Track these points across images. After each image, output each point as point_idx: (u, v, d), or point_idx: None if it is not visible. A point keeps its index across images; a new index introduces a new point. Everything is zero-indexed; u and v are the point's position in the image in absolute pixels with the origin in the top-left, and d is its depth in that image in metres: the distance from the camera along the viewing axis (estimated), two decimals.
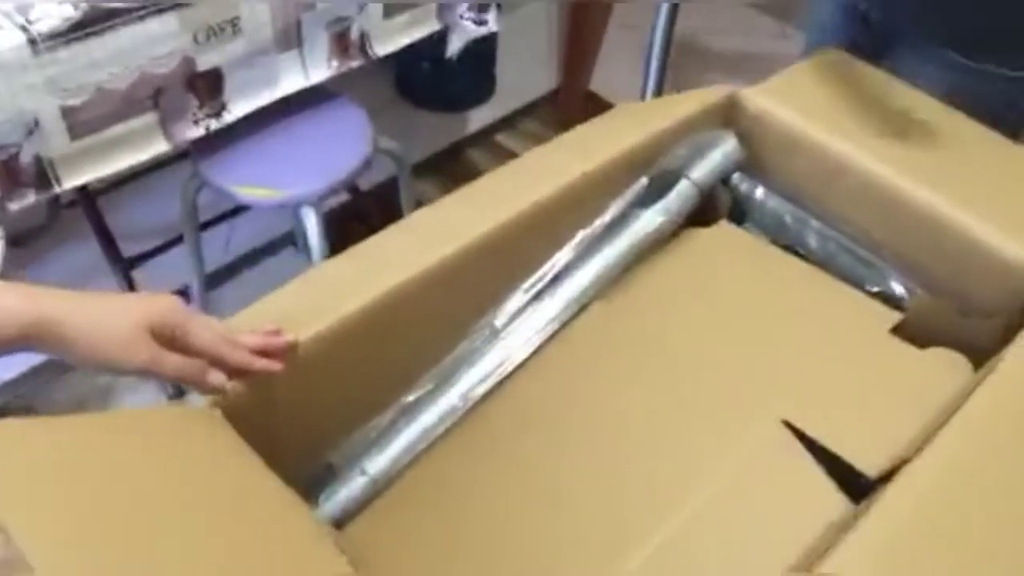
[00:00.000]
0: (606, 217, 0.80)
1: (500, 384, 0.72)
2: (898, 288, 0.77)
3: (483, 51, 2.09)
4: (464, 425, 0.70)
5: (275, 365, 0.59)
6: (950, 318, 0.73)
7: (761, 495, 0.62)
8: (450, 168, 2.08)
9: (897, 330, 0.73)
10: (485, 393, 0.72)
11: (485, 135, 2.18)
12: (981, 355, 0.71)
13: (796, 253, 0.82)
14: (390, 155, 1.45)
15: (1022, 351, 0.64)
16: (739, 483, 0.62)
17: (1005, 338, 0.71)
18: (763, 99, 0.84)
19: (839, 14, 1.07)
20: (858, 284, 0.79)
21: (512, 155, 2.25)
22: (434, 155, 2.09)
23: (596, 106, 2.33)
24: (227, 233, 1.74)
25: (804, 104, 0.85)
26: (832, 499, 0.61)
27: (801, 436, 0.64)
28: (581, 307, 0.75)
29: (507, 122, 2.22)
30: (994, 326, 0.71)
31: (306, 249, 1.45)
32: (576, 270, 0.76)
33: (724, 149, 0.84)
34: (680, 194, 0.81)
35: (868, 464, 0.61)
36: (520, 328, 0.74)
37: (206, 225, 1.67)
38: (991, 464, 0.56)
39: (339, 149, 1.30)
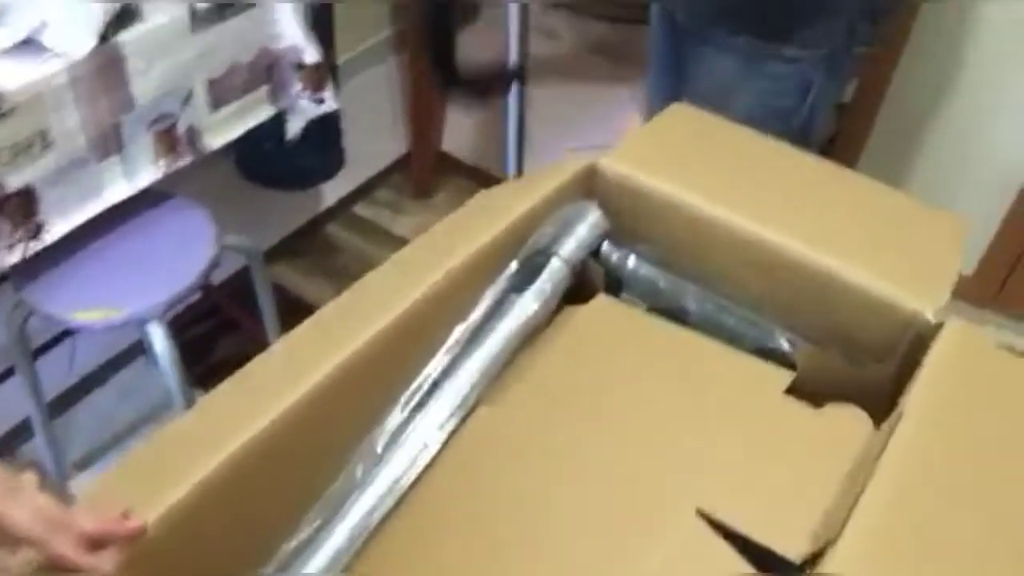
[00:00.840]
0: (480, 310, 0.74)
1: (389, 515, 0.65)
2: (784, 343, 0.75)
3: (327, 121, 2.03)
4: (355, 566, 0.63)
5: (104, 566, 0.49)
6: (841, 369, 0.72)
7: None
8: (308, 247, 1.99)
9: (791, 390, 0.70)
10: (375, 527, 0.64)
11: (341, 208, 2.11)
12: (878, 403, 0.70)
13: (676, 319, 0.79)
14: (239, 250, 1.35)
15: (918, 404, 0.63)
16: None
17: (899, 381, 0.70)
18: (622, 166, 0.82)
19: (658, 23, 1.25)
20: (743, 343, 0.77)
21: (370, 225, 2.20)
22: (290, 235, 2.00)
23: (449, 166, 2.31)
24: (68, 350, 1.59)
25: (661, 165, 0.83)
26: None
27: (717, 524, 0.60)
28: (467, 413, 0.70)
29: (362, 192, 2.16)
30: (886, 371, 0.71)
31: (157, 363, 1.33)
32: (456, 374, 0.71)
33: (590, 221, 0.81)
34: (552, 274, 0.77)
35: (791, 548, 0.58)
36: (404, 448, 0.67)
37: (41, 349, 1.52)
38: (914, 537, 0.54)
39: (181, 253, 1.20)
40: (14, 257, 1.06)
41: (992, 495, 0.57)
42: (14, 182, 1.03)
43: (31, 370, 1.31)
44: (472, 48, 1.77)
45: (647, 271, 0.81)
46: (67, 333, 1.51)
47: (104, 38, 1.08)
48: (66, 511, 0.49)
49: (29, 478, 0.50)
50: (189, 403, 1.23)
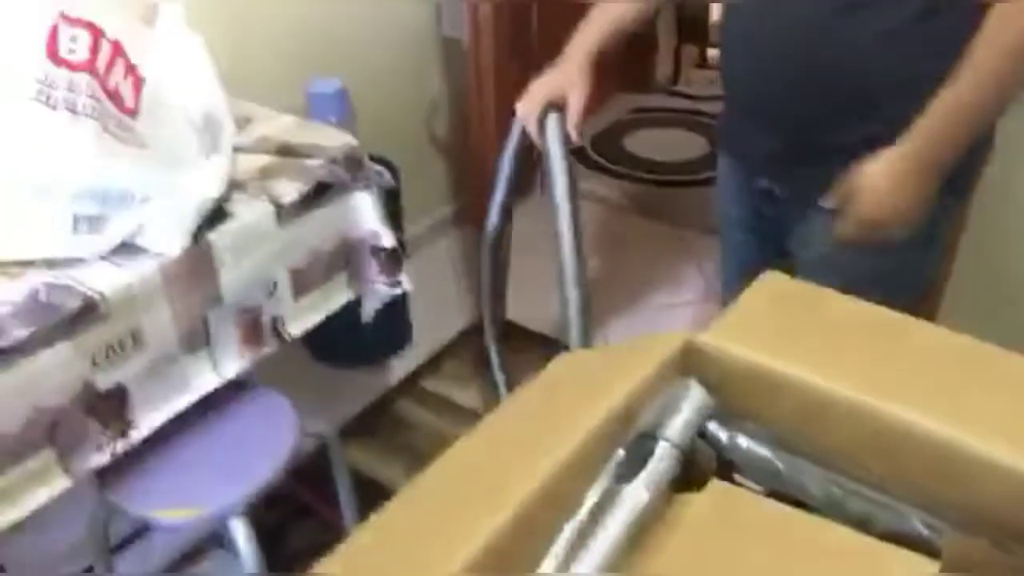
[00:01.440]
0: (588, 504, 0.70)
1: None
2: (920, 528, 0.69)
3: (394, 298, 2.07)
4: None
5: None
6: (988, 555, 0.65)
7: None
8: (379, 425, 1.98)
9: None
10: None
11: (409, 383, 2.11)
12: None
13: (798, 503, 0.74)
14: (319, 438, 1.34)
15: None
16: None
17: None
18: (722, 340, 0.80)
19: (739, 192, 1.29)
20: (874, 529, 0.71)
21: (440, 399, 2.19)
22: (360, 414, 2.00)
23: (516, 335, 2.31)
24: (146, 544, 1.56)
25: (764, 339, 0.80)
26: None
27: None
28: None
29: (430, 366, 2.16)
30: None
31: (238, 553, 1.29)
32: None
33: (694, 400, 0.77)
34: (661, 460, 0.73)
35: None
36: None
37: (118, 547, 1.50)
38: None
39: (261, 445, 1.19)
40: (103, 458, 1.06)
41: None
42: (106, 382, 1.05)
43: (110, 568, 1.28)
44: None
45: (762, 452, 0.77)
46: (140, 531, 1.49)
47: (196, 237, 1.12)
48: None
49: None
50: None
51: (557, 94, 1.19)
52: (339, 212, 1.32)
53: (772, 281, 0.90)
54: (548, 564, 0.67)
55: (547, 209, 3.04)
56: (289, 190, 1.25)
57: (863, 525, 0.71)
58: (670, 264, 2.61)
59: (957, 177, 1.10)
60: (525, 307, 2.32)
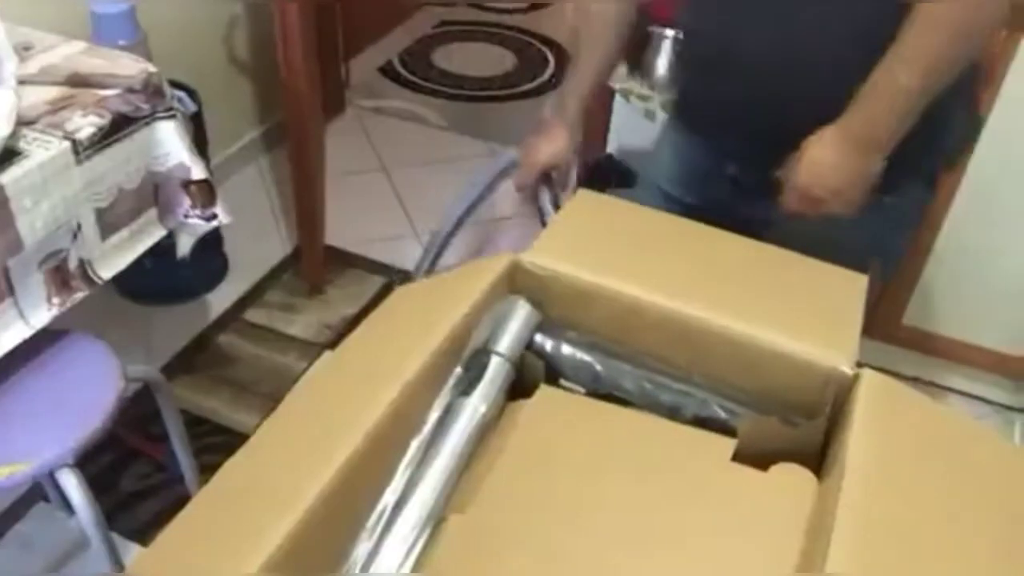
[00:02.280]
0: (431, 420, 0.75)
1: None
2: (720, 412, 0.80)
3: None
4: None
5: None
6: (778, 430, 0.76)
7: None
8: (202, 361, 1.92)
9: (736, 457, 0.74)
10: None
11: (231, 316, 2.06)
12: (815, 457, 0.75)
13: (616, 400, 0.83)
14: (143, 381, 1.30)
15: (856, 453, 0.68)
16: None
17: (831, 434, 0.76)
18: (544, 258, 0.86)
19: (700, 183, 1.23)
20: (682, 416, 0.80)
21: (263, 330, 2.15)
22: (182, 351, 1.93)
23: (337, 259, 2.30)
24: None
25: (582, 254, 0.87)
26: None
27: None
28: (436, 526, 0.70)
29: (251, 297, 2.12)
30: (818, 427, 0.76)
31: (62, 504, 1.26)
32: (417, 490, 0.71)
33: (521, 315, 0.84)
34: (495, 373, 0.79)
35: None
36: (378, 572, 0.67)
37: None
38: None
39: (84, 392, 1.15)
40: None
41: (947, 533, 0.63)
42: None
43: None
44: None
45: (582, 357, 0.84)
46: None
47: None
48: None
49: None
50: (108, 544, 1.16)
51: (551, 163, 1.22)
52: (141, 145, 1.26)
53: (586, 199, 0.97)
54: (399, 478, 0.72)
55: (357, 133, 2.97)
56: (84, 124, 1.17)
57: (673, 414, 0.81)
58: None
59: (929, 161, 1.11)
60: (343, 231, 2.31)
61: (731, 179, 1.18)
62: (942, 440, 0.72)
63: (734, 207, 1.12)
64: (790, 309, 0.83)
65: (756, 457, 0.75)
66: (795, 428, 0.76)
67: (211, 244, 2.09)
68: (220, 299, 2.09)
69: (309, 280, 2.16)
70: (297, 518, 0.61)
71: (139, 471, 1.59)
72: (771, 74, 1.05)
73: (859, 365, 0.78)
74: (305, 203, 2.07)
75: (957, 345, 1.87)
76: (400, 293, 0.90)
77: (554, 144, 1.22)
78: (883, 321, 1.85)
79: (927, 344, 1.88)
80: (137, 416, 1.61)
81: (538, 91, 3.10)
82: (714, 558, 0.66)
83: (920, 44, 0.93)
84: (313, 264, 2.15)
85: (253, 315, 2.07)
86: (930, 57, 0.94)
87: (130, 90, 1.25)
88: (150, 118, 1.26)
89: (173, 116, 1.30)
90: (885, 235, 1.16)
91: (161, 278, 2.00)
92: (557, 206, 1.21)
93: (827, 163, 1.00)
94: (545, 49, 3.35)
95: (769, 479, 0.73)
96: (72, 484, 1.08)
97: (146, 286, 2.01)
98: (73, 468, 1.08)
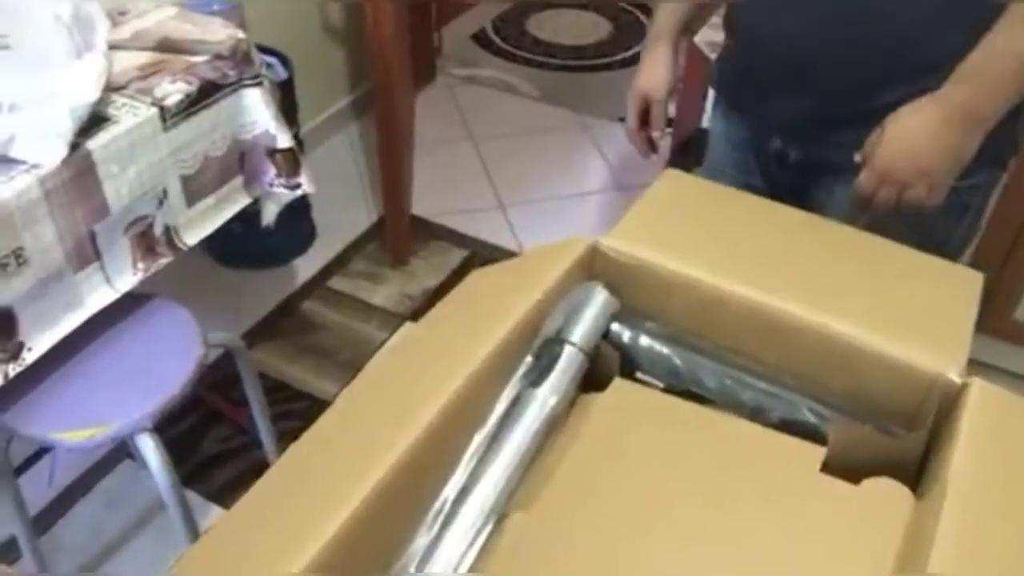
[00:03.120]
0: (498, 411, 0.72)
1: None
2: (809, 416, 0.74)
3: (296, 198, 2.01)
4: None
5: None
6: (873, 439, 0.70)
7: None
8: (286, 327, 1.95)
9: (825, 467, 0.69)
10: None
11: (315, 284, 2.08)
12: (912, 471, 0.68)
13: (695, 397, 0.78)
14: (224, 347, 1.32)
15: (960, 472, 0.61)
16: None
17: (932, 448, 0.69)
18: (624, 243, 0.81)
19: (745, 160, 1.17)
20: (767, 418, 0.75)
21: (347, 298, 2.17)
22: (267, 316, 1.96)
23: (423, 230, 2.29)
24: (48, 464, 1.53)
25: (664, 240, 0.82)
26: None
27: None
28: (496, 523, 0.67)
29: (336, 265, 2.13)
30: (919, 438, 0.69)
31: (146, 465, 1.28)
32: (480, 483, 0.68)
33: (598, 303, 0.79)
34: (567, 363, 0.75)
35: None
36: (436, 568, 0.64)
37: (20, 468, 1.46)
38: None
39: (165, 358, 1.17)
40: None
41: None
42: None
43: (15, 490, 1.25)
44: None
45: (661, 349, 0.79)
46: (42, 451, 1.46)
47: (75, 146, 1.05)
48: None
49: None
50: (183, 507, 1.18)
51: (646, 92, 1.16)
52: (228, 112, 1.26)
53: (673, 178, 0.92)
54: (462, 471, 0.69)
55: (447, 102, 2.97)
56: (172, 91, 1.18)
57: (757, 415, 0.75)
58: (574, 152, 2.61)
59: (1000, 142, 0.95)
60: (430, 201, 2.30)
61: (777, 155, 1.12)
62: None
63: (789, 185, 1.09)
64: (893, 306, 0.76)
65: (847, 468, 0.69)
66: (893, 438, 0.70)
67: (300, 211, 2.11)
68: (306, 266, 2.11)
69: (393, 251, 2.16)
70: (354, 508, 0.58)
71: (220, 434, 1.63)
72: (809, 47, 0.99)
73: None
74: (391, 173, 2.06)
75: None
76: (476, 275, 0.87)
77: (650, 74, 1.16)
78: (994, 315, 1.73)
79: None
80: (220, 379, 1.64)
81: (633, 60, 3.01)
82: (791, 571, 0.61)
83: None
84: (397, 234, 2.14)
85: (337, 283, 2.09)
86: None
87: (218, 56, 1.25)
88: (237, 85, 1.26)
89: (260, 84, 1.30)
90: (941, 226, 1.03)
91: (250, 243, 2.03)
92: (653, 145, 1.22)
93: (919, 138, 0.88)
94: (642, 16, 3.25)
95: (861, 493, 0.67)
96: (149, 448, 1.10)
97: (235, 251, 2.05)
98: (151, 432, 1.10)
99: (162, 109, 1.15)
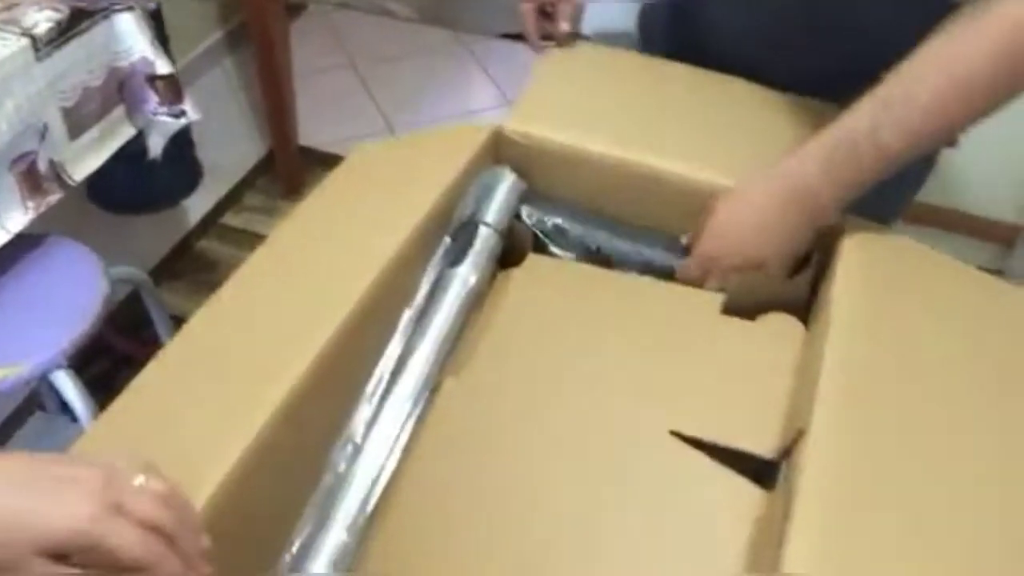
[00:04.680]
0: (423, 290, 0.76)
1: (382, 501, 0.66)
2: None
3: (177, 135, 1.95)
4: (366, 557, 0.63)
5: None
6: (766, 282, 0.77)
7: (686, 511, 0.62)
8: (184, 267, 1.91)
9: (726, 310, 0.76)
10: (370, 517, 0.65)
11: (209, 222, 2.04)
12: (803, 308, 0.76)
13: (606, 263, 0.83)
14: (129, 282, 1.30)
15: (842, 298, 0.69)
16: (661, 508, 0.62)
17: (818, 283, 0.77)
18: (526, 126, 0.85)
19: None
20: (672, 275, 0.81)
21: (245, 233, 2.13)
22: (163, 259, 1.92)
23: (313, 160, 2.26)
24: None
25: (564, 117, 0.86)
26: (748, 493, 0.62)
27: (691, 441, 0.65)
28: (432, 391, 0.71)
29: (229, 202, 2.09)
30: (805, 278, 0.77)
31: (60, 411, 1.27)
32: (413, 356, 0.72)
33: (506, 186, 0.83)
34: (483, 243, 0.79)
35: (764, 447, 0.63)
36: (380, 437, 0.68)
37: None
38: (879, 412, 0.60)
39: (70, 294, 1.14)
40: None
41: (937, 376, 0.64)
42: None
43: None
44: None
45: (568, 224, 0.84)
46: None
47: None
48: (176, 522, 0.45)
49: (139, 477, 0.45)
50: None
51: None
52: (103, 40, 1.21)
53: (563, 51, 0.95)
54: (394, 346, 0.72)
55: (322, 30, 2.88)
56: (41, 19, 1.13)
57: (664, 275, 0.82)
58: (458, 71, 2.61)
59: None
60: (316, 130, 2.27)
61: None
62: (932, 283, 0.73)
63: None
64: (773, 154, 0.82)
65: (746, 310, 0.76)
66: (783, 281, 0.77)
67: (184, 150, 2.05)
68: (198, 205, 2.06)
69: (285, 182, 2.13)
70: (292, 385, 0.60)
71: (134, 375, 1.60)
72: (765, 39, 0.90)
73: None
74: (275, 104, 2.02)
75: (948, 213, 1.87)
76: (360, 155, 0.87)
77: None
78: None
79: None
80: (127, 324, 1.61)
81: None
82: (706, 404, 0.68)
83: (922, 89, 0.66)
84: (288, 166, 2.11)
85: (232, 219, 2.05)
86: (936, 109, 0.67)
87: None
88: (108, 11, 1.22)
89: (131, 8, 1.25)
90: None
91: (136, 186, 1.97)
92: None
93: (747, 225, 0.76)
94: None
95: (757, 328, 0.74)
96: (68, 386, 1.09)
97: (122, 195, 1.98)
98: (68, 370, 1.09)
99: (33, 39, 1.10)
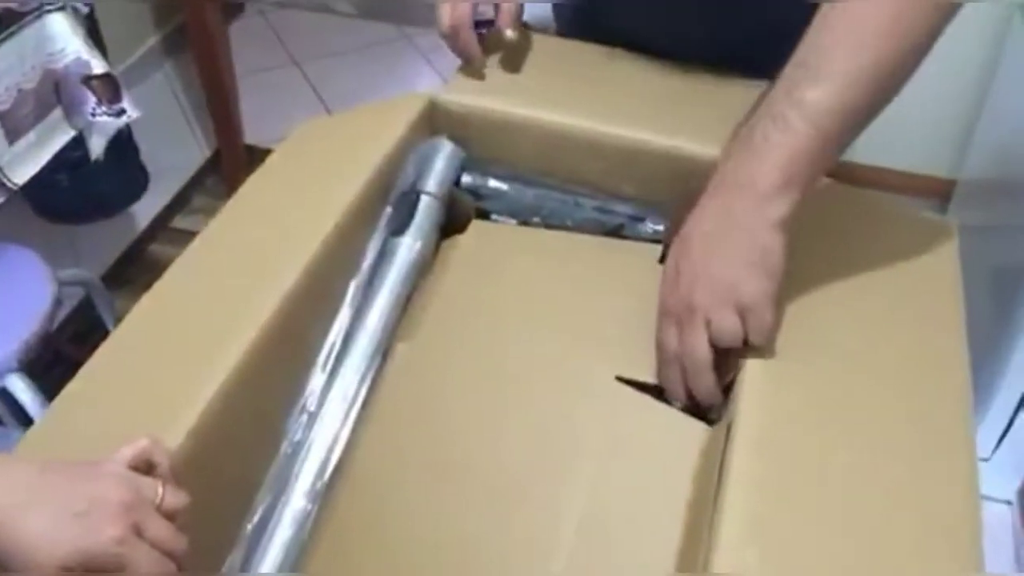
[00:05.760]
0: (368, 259, 0.77)
1: (341, 464, 0.67)
2: (650, 225, 0.82)
3: (120, 140, 1.93)
4: (327, 522, 0.64)
5: None
6: None
7: (637, 449, 0.64)
8: (134, 272, 1.90)
9: (663, 260, 0.78)
10: (330, 478, 0.67)
11: (158, 226, 2.02)
12: None
13: (548, 226, 0.85)
14: (79, 284, 1.29)
15: None
16: (614, 448, 0.64)
17: None
18: (461, 96, 0.86)
19: None
20: (615, 232, 0.83)
21: (194, 235, 2.10)
22: (113, 264, 1.90)
23: (260, 158, 2.24)
24: None
25: (498, 87, 0.87)
26: (692, 428, 0.64)
27: (635, 384, 0.67)
28: (384, 357, 0.72)
29: (176, 205, 2.08)
30: None
31: (17, 424, 1.26)
32: (362, 324, 0.73)
33: (445, 154, 0.84)
34: (425, 211, 0.81)
35: None
36: (334, 405, 0.69)
37: None
38: (810, 339, 0.63)
39: (18, 298, 1.14)
40: None
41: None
42: None
43: None
44: None
45: (507, 189, 0.86)
46: None
47: None
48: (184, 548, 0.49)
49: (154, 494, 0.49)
50: None
51: None
52: (36, 41, 1.20)
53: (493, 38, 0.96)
54: (343, 315, 0.74)
55: (262, 29, 2.87)
56: None
57: (608, 233, 0.83)
58: (402, 65, 2.61)
59: None
60: (262, 129, 2.25)
61: None
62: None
63: None
64: (711, 120, 0.84)
65: None
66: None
67: (128, 155, 2.03)
68: (145, 210, 2.05)
69: (232, 183, 2.12)
70: (240, 356, 0.61)
71: None
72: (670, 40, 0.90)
73: None
74: (218, 105, 2.01)
75: (881, 172, 1.93)
76: (306, 129, 0.88)
77: None
78: None
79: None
80: (80, 332, 1.60)
81: None
82: (652, 351, 0.70)
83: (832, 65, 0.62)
84: (235, 166, 2.10)
85: (181, 222, 2.04)
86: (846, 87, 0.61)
87: None
88: (39, 12, 1.21)
89: (63, 8, 1.24)
90: None
91: (82, 195, 1.96)
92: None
93: (698, 254, 0.65)
94: None
95: None
96: (21, 389, 1.08)
97: (67, 205, 1.96)
98: (20, 373, 1.08)
99: None
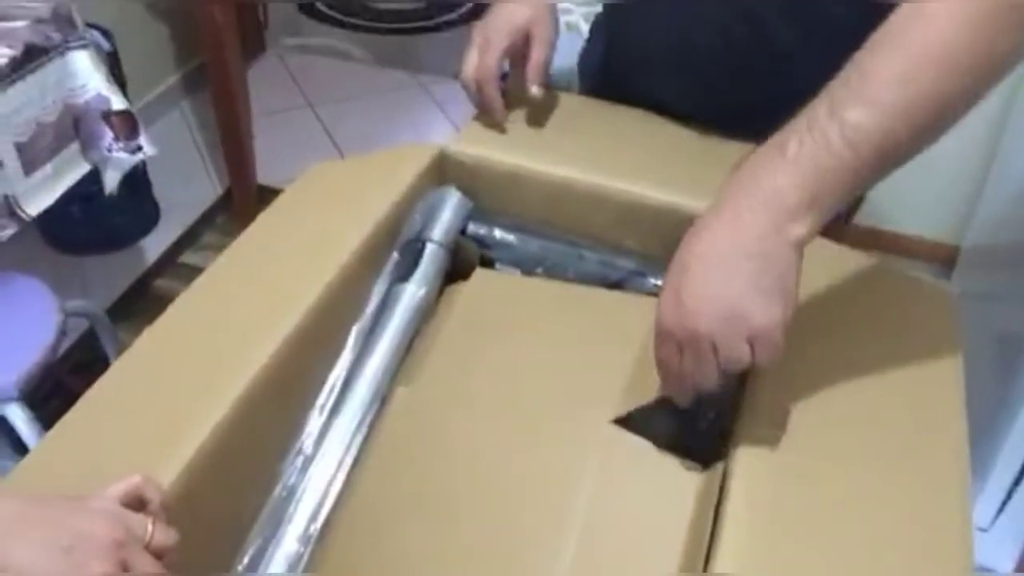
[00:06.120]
0: (372, 305, 0.78)
1: (336, 507, 0.67)
2: (651, 280, 0.83)
3: (135, 174, 1.96)
4: (321, 564, 0.64)
5: None
6: None
7: (632, 496, 0.65)
8: (140, 307, 1.91)
9: None
10: (324, 522, 0.66)
11: (167, 261, 2.04)
12: None
13: (552, 277, 0.86)
14: (83, 315, 1.30)
15: None
16: (610, 495, 0.64)
17: None
18: (471, 148, 0.87)
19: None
20: (616, 286, 0.84)
21: (202, 272, 2.12)
22: (120, 297, 1.91)
23: (271, 198, 2.26)
24: None
25: (507, 141, 0.89)
26: (686, 472, 0.64)
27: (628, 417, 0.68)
28: (383, 402, 0.73)
29: (186, 241, 2.09)
30: None
31: (10, 451, 1.26)
32: (363, 370, 0.74)
33: (452, 204, 0.86)
34: (430, 259, 0.82)
35: None
36: (330, 449, 0.69)
37: None
38: (802, 404, 0.63)
39: (22, 327, 1.14)
40: None
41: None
42: None
43: None
44: None
45: (513, 239, 0.87)
46: None
47: None
48: None
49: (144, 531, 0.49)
50: None
51: (528, 26, 0.88)
52: (58, 76, 1.23)
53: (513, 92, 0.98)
54: (345, 358, 0.74)
55: (280, 72, 2.91)
56: None
57: (610, 286, 0.84)
58: (415, 111, 2.65)
59: None
60: (274, 169, 2.28)
61: None
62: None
63: None
64: (719, 178, 0.85)
65: None
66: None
67: (141, 190, 2.06)
68: (155, 245, 2.06)
69: (243, 220, 2.12)
70: (239, 396, 0.61)
71: None
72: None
73: None
74: (232, 144, 2.04)
75: (886, 236, 1.94)
76: (318, 171, 0.89)
77: (523, 12, 0.89)
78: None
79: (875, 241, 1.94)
80: (82, 363, 1.60)
81: (461, 20, 3.08)
82: (645, 395, 0.70)
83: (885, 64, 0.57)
84: (246, 204, 2.12)
85: (189, 258, 2.05)
86: (895, 116, 0.56)
87: (39, 20, 1.21)
88: (63, 48, 1.24)
89: (86, 46, 1.27)
90: None
91: (92, 226, 1.97)
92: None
93: (704, 279, 0.59)
94: None
95: None
96: (20, 419, 1.08)
97: (78, 236, 1.98)
98: (20, 402, 1.08)
99: None
